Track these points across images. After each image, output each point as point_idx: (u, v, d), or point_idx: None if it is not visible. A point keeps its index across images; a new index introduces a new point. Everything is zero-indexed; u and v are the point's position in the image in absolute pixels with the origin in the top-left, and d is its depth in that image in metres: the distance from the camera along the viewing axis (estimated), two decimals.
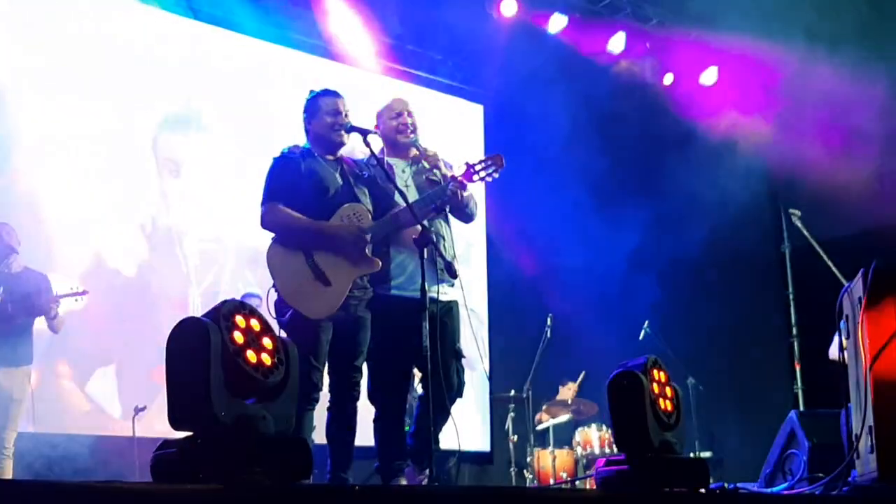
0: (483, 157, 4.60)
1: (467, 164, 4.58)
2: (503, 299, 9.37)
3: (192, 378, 2.63)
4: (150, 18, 7.79)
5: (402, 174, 4.71)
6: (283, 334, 3.50)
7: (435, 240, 4.37)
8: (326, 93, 4.64)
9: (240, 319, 2.72)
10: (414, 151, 4.66)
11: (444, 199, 4.46)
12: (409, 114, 4.75)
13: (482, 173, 4.54)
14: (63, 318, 6.34)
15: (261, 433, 2.67)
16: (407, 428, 4.79)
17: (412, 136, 4.70)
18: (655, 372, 3.57)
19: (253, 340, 2.73)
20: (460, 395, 4.59)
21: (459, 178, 4.53)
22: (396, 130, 4.70)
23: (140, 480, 5.76)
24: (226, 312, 2.71)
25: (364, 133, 4.39)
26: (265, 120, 8.17)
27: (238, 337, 2.69)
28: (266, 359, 2.74)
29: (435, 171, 4.62)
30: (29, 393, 6.18)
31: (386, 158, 4.72)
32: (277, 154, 4.54)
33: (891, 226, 7.65)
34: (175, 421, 2.62)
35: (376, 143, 4.39)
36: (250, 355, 2.70)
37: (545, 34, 9.18)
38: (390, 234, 4.50)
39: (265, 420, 2.69)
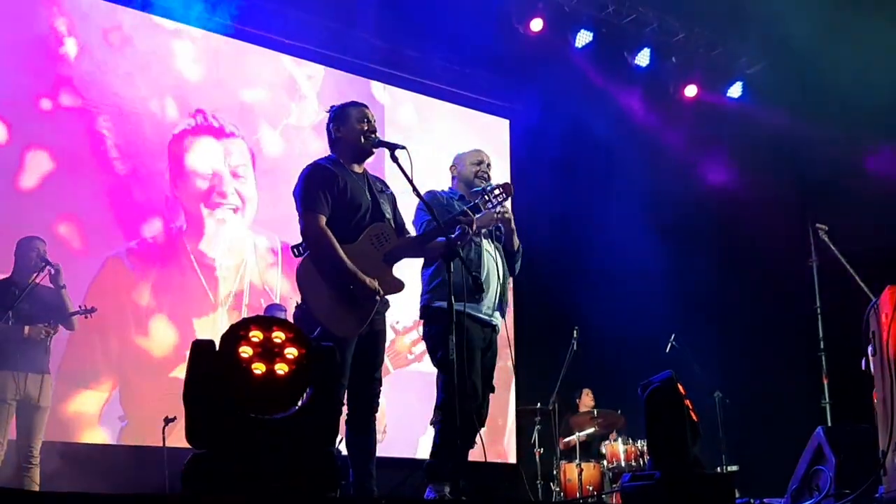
0: (494, 185, 4.94)
1: (482, 189, 4.92)
2: (529, 312, 9.36)
3: (199, 397, 2.70)
4: (180, 32, 7.90)
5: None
6: None
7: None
8: (353, 103, 4.72)
9: (255, 334, 2.75)
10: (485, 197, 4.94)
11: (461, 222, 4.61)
12: (489, 165, 5.23)
13: (493, 200, 4.85)
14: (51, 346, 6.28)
15: (281, 445, 2.70)
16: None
17: (485, 182, 5.10)
18: (679, 386, 3.59)
19: (267, 353, 2.74)
20: (483, 426, 4.89)
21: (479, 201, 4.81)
22: (475, 174, 5.15)
23: (171, 492, 5.83)
24: (236, 329, 2.76)
25: (392, 147, 4.42)
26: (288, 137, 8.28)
27: (245, 351, 2.72)
28: (282, 368, 2.74)
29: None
30: (53, 400, 6.25)
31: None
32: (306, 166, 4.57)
33: None
34: (190, 438, 2.69)
35: (403, 158, 4.41)
36: (257, 367, 2.72)
37: (571, 49, 9.21)
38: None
39: (283, 433, 2.72)
